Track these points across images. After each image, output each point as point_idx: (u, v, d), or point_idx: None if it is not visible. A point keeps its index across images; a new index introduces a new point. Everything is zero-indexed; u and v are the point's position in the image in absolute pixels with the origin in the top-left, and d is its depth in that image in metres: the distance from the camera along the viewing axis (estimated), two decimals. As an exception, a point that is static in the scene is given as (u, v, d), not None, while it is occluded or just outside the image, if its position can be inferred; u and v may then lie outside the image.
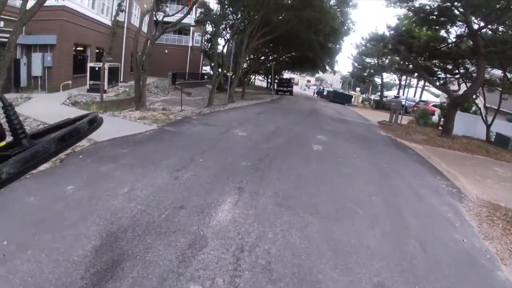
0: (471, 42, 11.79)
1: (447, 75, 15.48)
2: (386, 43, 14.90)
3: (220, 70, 18.86)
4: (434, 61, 14.93)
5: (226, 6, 17.30)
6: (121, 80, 21.33)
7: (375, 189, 5.49)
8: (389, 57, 18.88)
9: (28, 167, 0.63)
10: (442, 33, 13.11)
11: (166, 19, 14.28)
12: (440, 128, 16.70)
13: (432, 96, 39.47)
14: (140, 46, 12.51)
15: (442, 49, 12.85)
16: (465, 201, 5.89)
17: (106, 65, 17.97)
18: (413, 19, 12.10)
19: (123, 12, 13.03)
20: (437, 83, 14.69)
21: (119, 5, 11.51)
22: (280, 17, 18.11)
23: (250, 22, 17.55)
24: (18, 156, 0.63)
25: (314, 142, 9.02)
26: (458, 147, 12.23)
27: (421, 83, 35.48)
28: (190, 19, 23.34)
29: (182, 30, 34.52)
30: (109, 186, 4.35)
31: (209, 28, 19.19)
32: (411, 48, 13.37)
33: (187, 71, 33.31)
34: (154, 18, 14.99)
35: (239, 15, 19.08)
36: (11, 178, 0.61)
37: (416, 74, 15.64)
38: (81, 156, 5.52)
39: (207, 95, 17.83)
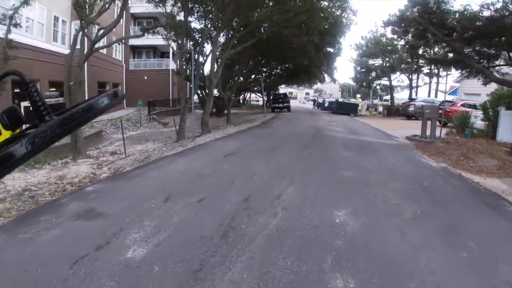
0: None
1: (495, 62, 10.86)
2: (408, 26, 10.41)
3: (188, 93, 14.62)
4: (476, 45, 10.38)
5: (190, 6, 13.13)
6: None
7: None
8: (412, 46, 14.19)
9: (46, 141, 0.56)
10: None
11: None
12: (490, 137, 12.04)
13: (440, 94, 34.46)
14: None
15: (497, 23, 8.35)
16: None
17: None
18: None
19: (19, 27, 8.98)
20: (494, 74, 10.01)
21: (11, 18, 7.43)
22: (261, 16, 13.92)
23: (219, 24, 13.38)
24: (32, 131, 0.57)
25: (331, 252, 3.25)
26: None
27: (434, 80, 30.87)
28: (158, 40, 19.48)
29: (164, 53, 31.29)
30: None
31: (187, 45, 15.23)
32: (447, 28, 8.92)
33: (171, 97, 29.79)
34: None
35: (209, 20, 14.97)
36: (25, 156, 0.54)
37: (452, 67, 11.10)
38: None
39: (189, 123, 13.33)
